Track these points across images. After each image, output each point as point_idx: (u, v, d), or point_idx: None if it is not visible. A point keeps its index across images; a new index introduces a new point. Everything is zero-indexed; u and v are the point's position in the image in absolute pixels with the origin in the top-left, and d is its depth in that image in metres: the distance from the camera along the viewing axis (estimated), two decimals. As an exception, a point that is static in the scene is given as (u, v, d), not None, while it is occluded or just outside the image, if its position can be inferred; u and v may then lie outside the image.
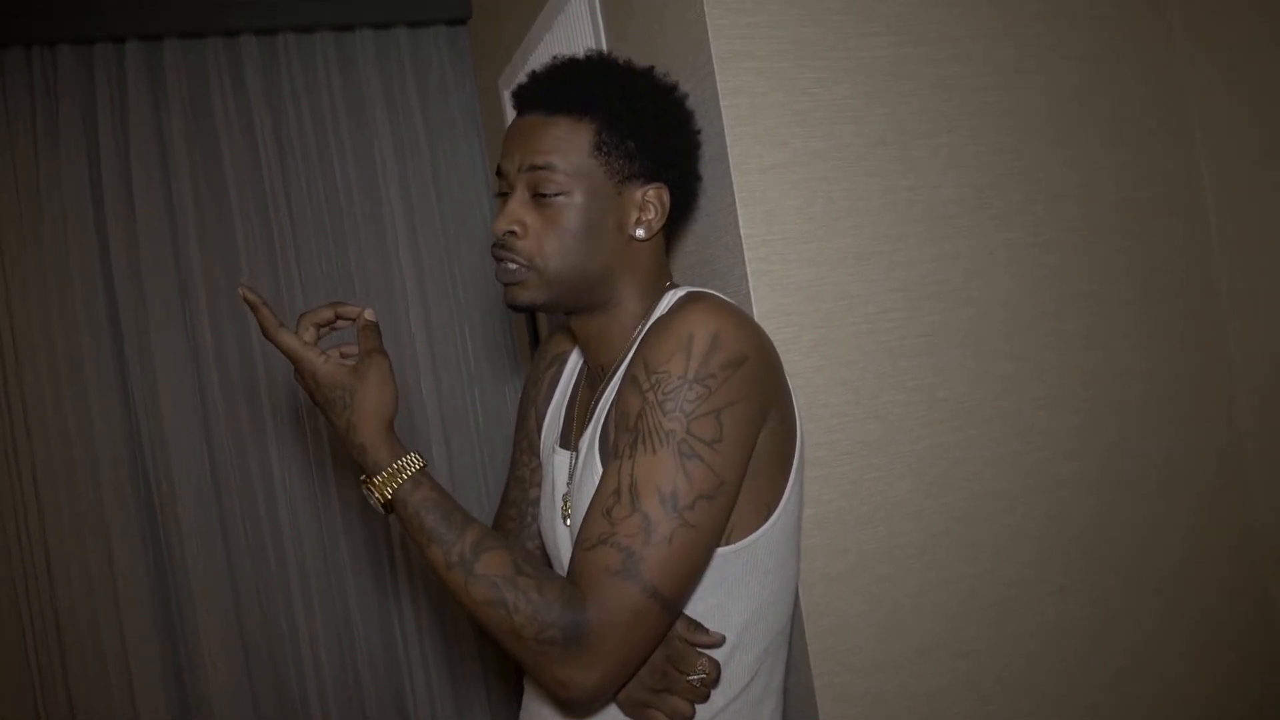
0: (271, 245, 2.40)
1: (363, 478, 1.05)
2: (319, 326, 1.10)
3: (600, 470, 1.07)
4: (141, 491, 2.29)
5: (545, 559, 1.32)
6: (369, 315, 1.11)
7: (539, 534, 1.32)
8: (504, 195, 1.14)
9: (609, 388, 1.14)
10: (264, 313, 1.05)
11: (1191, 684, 1.50)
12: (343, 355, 1.11)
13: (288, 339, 1.06)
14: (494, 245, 1.13)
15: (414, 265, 2.50)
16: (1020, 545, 1.39)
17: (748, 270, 1.26)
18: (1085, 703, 1.43)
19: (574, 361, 1.31)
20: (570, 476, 1.19)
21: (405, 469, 1.03)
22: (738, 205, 1.26)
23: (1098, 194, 1.47)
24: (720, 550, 1.05)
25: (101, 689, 2.20)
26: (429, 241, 2.52)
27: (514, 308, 1.14)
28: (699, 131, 1.23)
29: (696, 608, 1.07)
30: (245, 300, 1.06)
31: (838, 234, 1.30)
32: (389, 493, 1.02)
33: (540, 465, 1.32)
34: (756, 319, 1.25)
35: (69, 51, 2.25)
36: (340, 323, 1.12)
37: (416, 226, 2.51)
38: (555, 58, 1.20)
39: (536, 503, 1.32)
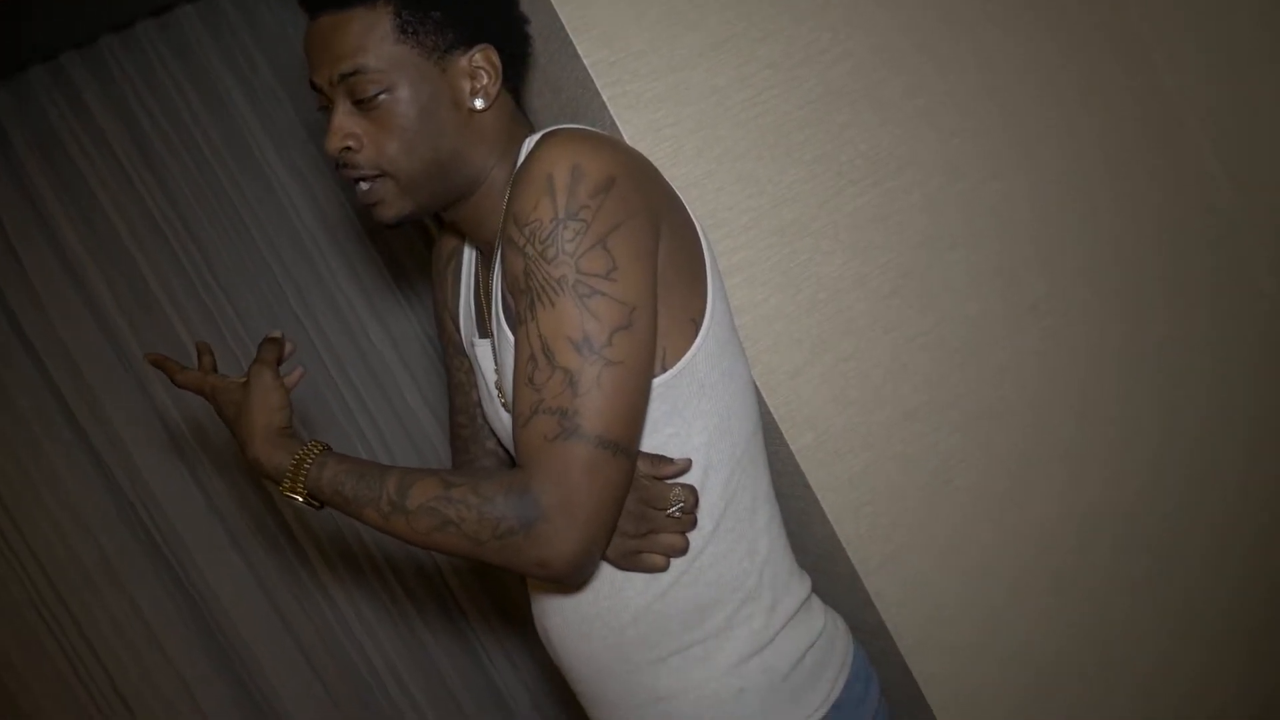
0: (178, 261, 2.32)
1: (279, 488, 1.05)
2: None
3: None
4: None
5: (507, 454, 1.30)
6: (273, 333, 1.14)
7: (493, 432, 1.29)
8: (326, 109, 1.07)
9: (498, 259, 1.09)
10: (169, 365, 1.14)
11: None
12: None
13: (189, 377, 1.14)
14: (338, 166, 1.07)
15: (319, 223, 2.42)
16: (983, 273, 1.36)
17: (604, 98, 1.19)
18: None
19: (470, 249, 1.25)
20: (496, 362, 1.15)
21: (306, 458, 1.02)
22: (571, 36, 1.18)
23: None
24: (659, 379, 1.02)
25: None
26: (327, 192, 2.43)
27: (386, 225, 1.09)
28: None
29: (653, 441, 1.04)
30: (152, 364, 1.14)
31: (684, 30, 1.23)
32: (301, 487, 1.02)
33: (471, 364, 1.28)
34: (631, 143, 1.19)
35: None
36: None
37: (306, 175, 2.41)
38: None
39: (480, 402, 1.29)
